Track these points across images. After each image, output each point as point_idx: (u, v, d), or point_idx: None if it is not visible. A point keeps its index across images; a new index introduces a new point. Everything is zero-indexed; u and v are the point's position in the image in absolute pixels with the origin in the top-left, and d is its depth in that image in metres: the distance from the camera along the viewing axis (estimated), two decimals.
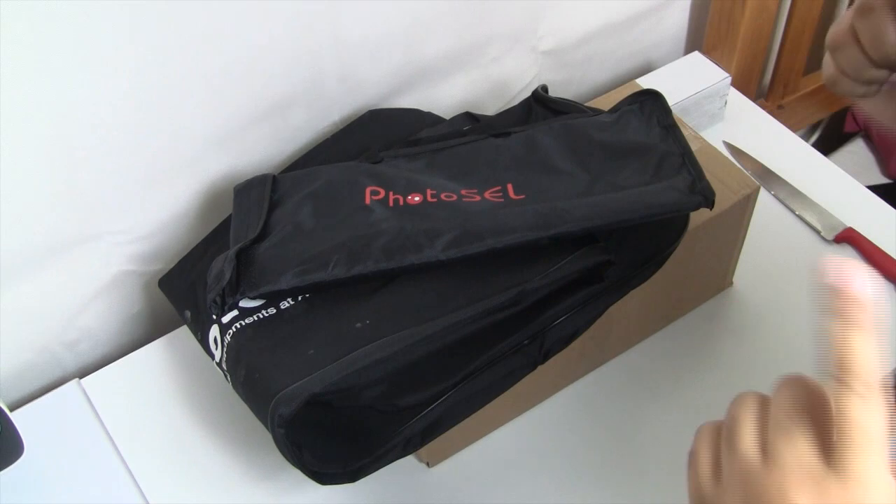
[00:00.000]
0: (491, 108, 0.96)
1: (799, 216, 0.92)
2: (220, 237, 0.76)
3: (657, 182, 0.69)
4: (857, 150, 1.36)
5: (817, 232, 0.90)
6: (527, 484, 0.74)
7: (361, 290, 0.65)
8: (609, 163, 0.71)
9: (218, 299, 0.64)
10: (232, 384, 0.65)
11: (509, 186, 0.70)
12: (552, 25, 0.95)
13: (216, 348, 0.67)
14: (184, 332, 0.81)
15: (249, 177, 0.75)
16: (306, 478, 0.60)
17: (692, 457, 0.43)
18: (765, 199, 0.91)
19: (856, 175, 0.96)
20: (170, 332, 0.84)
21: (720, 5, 1.03)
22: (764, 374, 0.79)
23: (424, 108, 0.86)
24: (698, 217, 0.70)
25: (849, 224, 0.89)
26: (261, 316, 0.65)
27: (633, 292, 0.68)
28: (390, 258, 0.63)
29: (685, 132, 0.75)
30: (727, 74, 0.99)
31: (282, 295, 0.65)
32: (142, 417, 0.78)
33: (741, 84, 1.07)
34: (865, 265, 0.37)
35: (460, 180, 0.71)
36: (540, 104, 0.83)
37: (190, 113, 0.75)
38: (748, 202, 0.77)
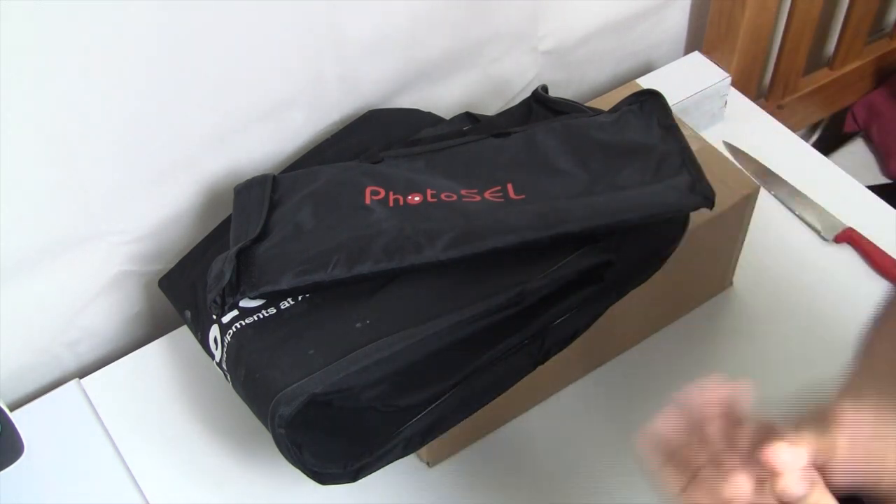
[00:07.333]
0: (491, 108, 0.96)
1: (799, 216, 0.92)
2: (220, 237, 0.75)
3: (657, 182, 0.69)
4: (857, 150, 1.35)
5: (817, 232, 0.90)
6: (527, 484, 0.74)
7: (361, 290, 0.65)
8: (609, 163, 0.71)
9: (218, 299, 0.64)
10: (232, 384, 0.65)
11: (509, 186, 0.70)
12: (552, 25, 0.95)
13: (216, 348, 0.67)
14: (184, 332, 0.81)
15: (249, 177, 0.75)
16: (306, 478, 0.60)
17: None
18: (765, 199, 0.91)
19: (856, 175, 0.96)
20: (170, 332, 0.84)
21: (720, 5, 1.03)
22: (764, 374, 0.80)
23: (424, 108, 0.86)
24: (698, 217, 0.70)
25: (849, 224, 0.89)
26: (261, 316, 0.65)
27: (633, 292, 0.68)
28: (390, 258, 0.63)
29: (685, 132, 0.75)
30: (727, 74, 0.99)
31: (282, 295, 0.65)
32: (142, 417, 0.78)
33: (741, 84, 1.07)
34: None
35: (460, 180, 0.71)
36: (540, 104, 0.83)
37: (190, 113, 0.75)
38: (748, 202, 0.77)
